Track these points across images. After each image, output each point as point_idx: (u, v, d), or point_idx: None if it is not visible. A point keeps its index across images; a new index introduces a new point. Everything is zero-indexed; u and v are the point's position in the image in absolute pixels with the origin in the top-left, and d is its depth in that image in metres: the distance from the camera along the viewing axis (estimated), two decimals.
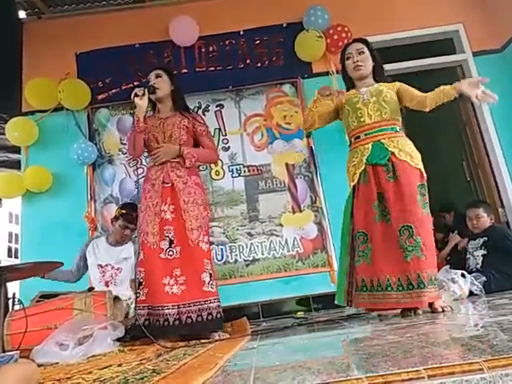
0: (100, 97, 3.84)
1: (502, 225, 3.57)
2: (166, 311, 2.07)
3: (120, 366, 1.40)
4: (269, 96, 3.85)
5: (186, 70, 3.84)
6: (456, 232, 3.40)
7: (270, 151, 3.74)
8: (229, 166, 3.72)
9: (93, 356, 1.78)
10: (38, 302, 2.37)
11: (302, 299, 3.42)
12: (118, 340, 2.02)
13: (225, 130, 3.80)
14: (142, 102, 2.23)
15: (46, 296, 2.43)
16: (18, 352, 1.04)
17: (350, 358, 1.16)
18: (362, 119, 2.21)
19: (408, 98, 2.23)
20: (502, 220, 3.66)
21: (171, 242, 2.17)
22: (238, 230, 3.59)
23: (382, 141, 2.16)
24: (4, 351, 1.93)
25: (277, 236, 3.57)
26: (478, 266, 3.00)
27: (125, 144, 3.72)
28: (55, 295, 2.40)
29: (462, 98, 2.13)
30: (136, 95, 2.22)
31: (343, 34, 3.72)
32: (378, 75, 2.34)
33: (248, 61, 3.89)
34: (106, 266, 2.86)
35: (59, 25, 4.04)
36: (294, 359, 1.19)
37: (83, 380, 1.19)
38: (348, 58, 2.32)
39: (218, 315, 2.11)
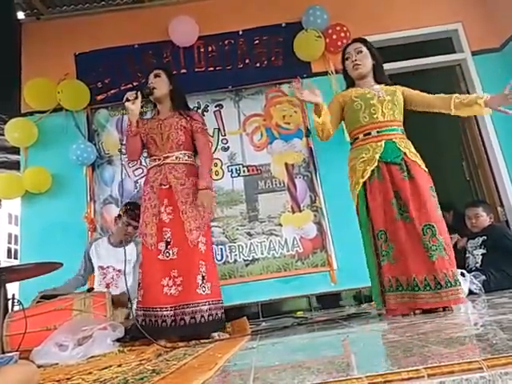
0: (99, 97, 3.84)
1: (502, 224, 3.57)
2: (164, 312, 2.06)
3: (120, 366, 1.40)
4: (268, 96, 3.85)
5: (185, 70, 3.84)
6: (456, 235, 3.39)
7: (269, 151, 3.74)
8: (228, 166, 3.72)
9: (92, 357, 1.78)
10: (38, 302, 2.37)
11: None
12: (118, 341, 2.02)
13: (224, 130, 3.79)
14: (133, 106, 2.22)
15: (46, 297, 2.43)
16: (18, 353, 1.04)
17: (350, 357, 1.16)
18: (375, 116, 2.19)
19: (419, 102, 2.25)
20: (501, 219, 3.67)
21: (168, 244, 2.16)
22: (237, 229, 3.59)
23: (394, 140, 2.17)
24: (3, 352, 1.93)
25: (276, 236, 3.57)
26: (478, 265, 3.00)
27: (124, 144, 3.72)
28: (55, 296, 2.40)
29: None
30: (127, 100, 2.21)
31: (342, 34, 3.71)
32: (379, 75, 2.34)
33: (247, 61, 3.89)
34: (108, 267, 2.85)
35: (58, 25, 4.03)
36: (294, 359, 1.19)
37: (83, 381, 1.19)
38: (347, 59, 2.33)
39: (210, 317, 2.08)
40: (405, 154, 2.14)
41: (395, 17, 3.95)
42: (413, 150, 2.19)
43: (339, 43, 3.72)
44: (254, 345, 1.63)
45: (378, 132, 2.18)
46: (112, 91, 3.85)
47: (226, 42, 3.92)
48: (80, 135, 3.73)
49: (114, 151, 3.77)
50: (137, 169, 3.72)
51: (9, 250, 24.82)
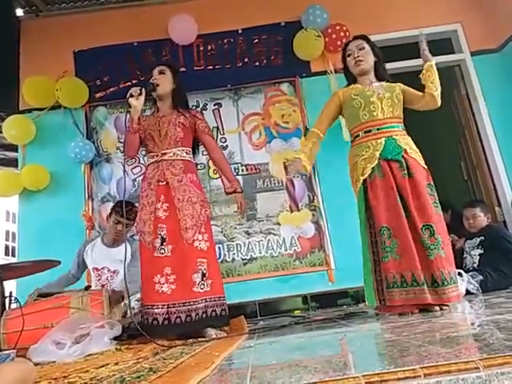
0: (98, 95, 3.84)
1: (499, 224, 3.58)
2: (156, 310, 2.04)
3: (117, 364, 1.40)
4: (267, 95, 3.85)
5: (184, 69, 3.83)
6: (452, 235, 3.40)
7: (267, 150, 3.74)
8: None
9: (90, 355, 1.77)
10: (35, 300, 2.37)
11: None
12: (115, 339, 2.01)
13: (223, 129, 3.79)
14: (137, 103, 2.20)
15: (43, 295, 2.42)
16: (15, 351, 1.03)
17: (347, 356, 1.16)
18: (374, 113, 2.20)
19: (416, 100, 2.27)
20: (498, 219, 3.68)
21: (163, 240, 2.15)
22: (235, 228, 3.59)
23: (395, 137, 2.18)
24: (0, 350, 1.93)
25: (274, 235, 3.57)
26: (475, 265, 3.01)
27: (122, 143, 3.71)
28: (52, 293, 2.39)
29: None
30: (131, 95, 2.20)
31: (342, 33, 3.72)
32: (380, 72, 2.35)
33: (246, 59, 3.88)
34: (102, 268, 2.82)
35: (57, 23, 4.03)
36: (291, 358, 1.19)
37: (80, 379, 1.18)
38: (349, 55, 2.33)
39: (204, 315, 2.06)
40: (405, 150, 2.15)
41: (394, 17, 3.95)
42: (413, 146, 2.20)
43: (339, 43, 3.72)
44: (251, 344, 1.63)
45: (378, 129, 2.19)
46: (111, 89, 3.85)
47: (226, 40, 3.92)
48: (78, 133, 3.72)
49: (113, 149, 3.76)
50: (135, 167, 3.71)
51: (6, 248, 24.78)
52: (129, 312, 2.45)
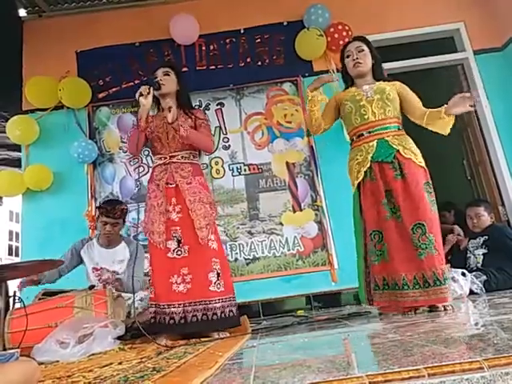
0: (100, 95, 3.84)
1: (503, 223, 3.57)
2: (173, 309, 2.07)
3: (120, 364, 1.40)
4: (269, 94, 3.84)
5: (186, 69, 3.83)
6: (456, 233, 3.39)
7: (270, 150, 3.74)
8: (229, 165, 3.71)
9: (93, 354, 1.78)
10: (40, 299, 2.38)
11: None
12: (119, 338, 2.02)
13: (225, 129, 3.79)
14: (146, 101, 2.20)
15: (48, 293, 2.44)
16: (19, 350, 1.04)
17: (351, 356, 1.16)
18: (365, 116, 2.21)
19: (410, 109, 2.26)
20: (502, 219, 3.66)
21: (179, 242, 2.16)
22: (238, 228, 3.59)
23: (387, 138, 2.17)
24: (5, 349, 1.93)
25: (277, 235, 3.57)
26: (479, 265, 3.00)
27: (125, 142, 3.72)
28: (58, 292, 2.41)
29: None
30: (141, 94, 2.20)
31: (344, 33, 3.71)
32: (378, 73, 2.35)
33: (248, 59, 3.88)
34: (101, 269, 2.82)
35: (60, 23, 4.03)
36: (294, 357, 1.19)
37: (84, 378, 1.19)
38: (348, 56, 2.33)
39: (223, 315, 2.09)
40: (398, 151, 2.14)
41: (397, 16, 3.94)
42: (409, 145, 2.17)
43: (341, 42, 3.71)
44: (254, 343, 1.63)
45: (369, 132, 2.20)
46: (113, 89, 3.85)
47: (228, 40, 3.92)
48: (81, 133, 3.73)
49: (115, 149, 3.77)
50: (138, 167, 3.72)
51: (10, 248, 24.87)
52: (132, 312, 2.46)
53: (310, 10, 3.78)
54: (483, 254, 3.02)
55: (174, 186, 2.24)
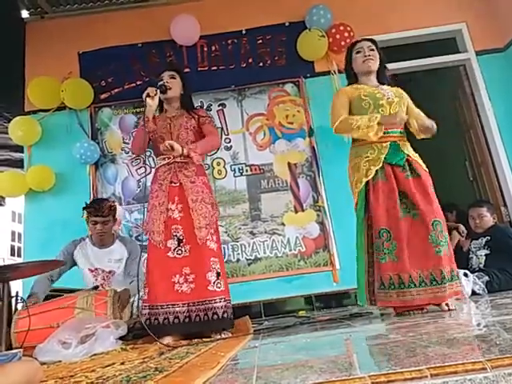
0: (103, 96, 3.85)
1: (505, 224, 3.56)
2: (177, 309, 2.07)
3: (123, 364, 1.40)
4: (271, 95, 3.85)
5: (188, 70, 3.83)
6: (461, 230, 3.37)
7: (272, 150, 3.74)
8: (231, 166, 3.72)
9: (95, 354, 1.78)
10: (47, 297, 2.39)
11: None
12: (121, 339, 2.02)
13: (227, 130, 3.80)
14: (153, 103, 2.23)
15: (56, 290, 2.45)
16: (21, 350, 1.04)
17: (353, 356, 1.15)
18: None
19: (411, 126, 2.27)
20: (504, 219, 3.65)
21: (180, 241, 2.17)
22: (240, 229, 3.59)
23: (398, 142, 2.20)
24: (11, 348, 1.94)
25: (279, 235, 3.57)
26: (481, 266, 2.99)
27: (127, 143, 3.73)
28: (65, 290, 2.42)
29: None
30: (148, 95, 2.22)
31: (345, 34, 3.71)
32: (381, 77, 2.36)
33: (250, 60, 3.89)
34: (96, 269, 2.79)
35: (62, 24, 4.04)
36: (297, 358, 1.19)
37: (86, 378, 1.19)
38: (358, 52, 2.32)
39: (225, 315, 2.09)
40: (408, 155, 2.18)
41: (399, 17, 3.94)
42: (412, 152, 2.23)
43: (342, 43, 3.72)
44: (256, 344, 1.63)
45: (384, 133, 2.17)
46: (115, 90, 3.86)
47: (229, 41, 3.92)
48: (83, 134, 3.74)
49: (118, 150, 3.78)
50: (140, 167, 3.72)
51: (12, 248, 24.94)
52: (135, 312, 2.47)
53: (311, 11, 3.78)
54: (485, 255, 3.01)
55: (177, 184, 2.25)
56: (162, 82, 2.33)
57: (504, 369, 0.76)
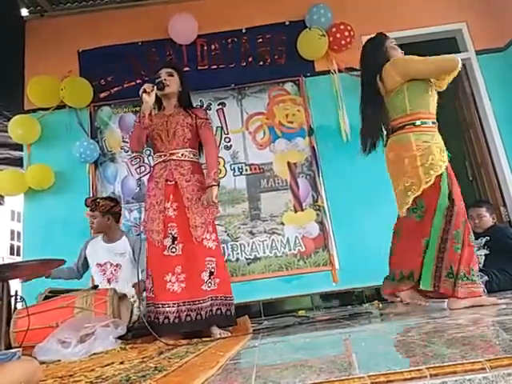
0: (102, 95, 3.85)
1: (505, 224, 3.56)
2: (167, 309, 2.07)
3: (122, 363, 1.40)
4: (271, 94, 3.84)
5: (188, 68, 3.83)
6: None
7: (272, 150, 3.74)
8: (231, 165, 3.71)
9: (95, 354, 1.78)
10: (46, 298, 2.39)
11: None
12: (120, 338, 2.02)
13: (227, 129, 3.79)
14: (149, 98, 2.22)
15: (54, 292, 2.44)
16: (21, 349, 1.04)
17: (352, 356, 1.15)
18: (434, 108, 2.25)
19: None
20: (504, 219, 3.65)
21: (174, 239, 2.17)
22: (239, 228, 3.59)
23: None
24: (10, 347, 1.94)
25: (278, 235, 3.56)
26: (481, 266, 2.98)
27: (127, 142, 3.72)
28: (63, 291, 2.41)
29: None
30: (145, 91, 2.21)
31: (346, 33, 3.71)
32: None
33: (250, 59, 3.88)
34: (105, 264, 2.84)
35: (62, 23, 4.04)
36: (296, 358, 1.19)
37: (85, 377, 1.19)
38: (391, 42, 2.35)
39: (219, 311, 2.09)
40: None
41: (399, 16, 3.93)
42: None
43: (343, 42, 3.72)
44: (255, 343, 1.63)
45: (433, 123, 2.22)
46: (115, 89, 3.86)
47: (230, 40, 3.92)
48: (83, 132, 3.73)
49: (117, 149, 3.77)
50: (139, 166, 3.72)
51: (11, 247, 24.93)
52: (136, 312, 2.46)
53: (312, 10, 3.78)
54: (485, 255, 3.01)
55: (173, 183, 2.25)
56: (159, 79, 2.32)
57: (503, 369, 0.76)
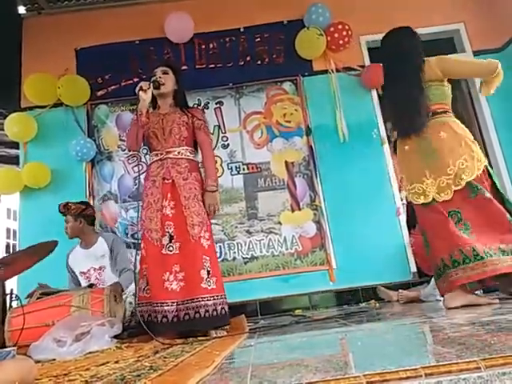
0: (99, 93, 3.84)
1: None
2: (166, 308, 2.06)
3: (117, 362, 1.40)
4: (269, 94, 3.84)
5: (185, 67, 3.83)
6: None
7: (269, 149, 3.73)
8: (228, 164, 3.71)
9: (90, 353, 1.77)
10: (38, 298, 2.37)
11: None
12: (116, 337, 2.01)
13: (224, 128, 3.79)
14: (146, 97, 2.22)
15: (46, 293, 2.43)
16: (15, 348, 1.03)
17: (348, 355, 1.15)
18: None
19: None
20: None
21: (171, 238, 2.17)
22: (236, 227, 3.59)
23: None
24: (5, 346, 1.93)
25: (275, 234, 3.57)
26: None
27: (124, 140, 3.71)
28: (54, 292, 2.40)
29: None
30: (141, 89, 2.21)
31: (344, 32, 3.71)
32: None
33: (248, 58, 3.88)
34: (88, 270, 2.83)
35: (59, 20, 4.02)
36: (292, 357, 1.19)
37: (80, 376, 1.18)
38: None
39: (214, 313, 2.08)
40: None
41: (397, 16, 3.91)
42: None
43: (341, 42, 3.72)
44: (251, 343, 1.63)
45: None
46: (112, 87, 3.84)
47: (227, 39, 3.91)
48: (80, 131, 3.72)
49: (114, 147, 3.76)
50: (136, 165, 3.71)
51: (7, 246, 24.82)
52: (128, 308, 2.46)
53: (310, 9, 3.78)
54: None
55: (170, 181, 2.24)
56: (154, 78, 2.32)
57: (498, 368, 0.77)
